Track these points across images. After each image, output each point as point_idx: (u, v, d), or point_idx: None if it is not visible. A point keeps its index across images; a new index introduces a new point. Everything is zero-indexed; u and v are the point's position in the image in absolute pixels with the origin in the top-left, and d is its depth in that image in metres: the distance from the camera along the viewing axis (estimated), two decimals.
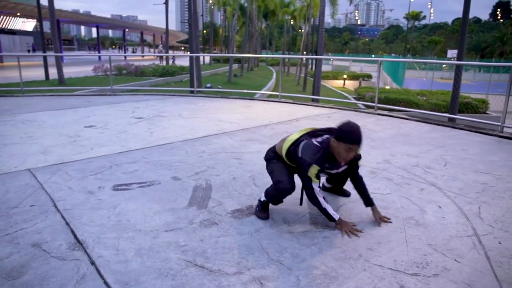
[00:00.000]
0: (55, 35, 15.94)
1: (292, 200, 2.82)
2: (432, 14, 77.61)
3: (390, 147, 4.39)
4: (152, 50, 68.64)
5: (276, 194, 2.49)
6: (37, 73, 16.93)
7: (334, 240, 2.29)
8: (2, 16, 40.61)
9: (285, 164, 2.56)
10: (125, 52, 50.67)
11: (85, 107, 7.05)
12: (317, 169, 2.29)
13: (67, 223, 2.44)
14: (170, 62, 29.55)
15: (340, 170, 2.53)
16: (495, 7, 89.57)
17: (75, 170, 3.49)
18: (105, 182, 3.20)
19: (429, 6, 72.50)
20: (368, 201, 2.56)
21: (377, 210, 2.55)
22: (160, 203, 2.78)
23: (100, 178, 3.29)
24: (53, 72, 16.09)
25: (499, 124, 5.32)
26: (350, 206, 2.77)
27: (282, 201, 2.61)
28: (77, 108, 6.92)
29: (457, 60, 9.66)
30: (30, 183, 3.14)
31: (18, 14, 38.70)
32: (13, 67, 10.01)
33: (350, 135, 2.23)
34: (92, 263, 2.01)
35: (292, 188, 2.44)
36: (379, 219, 2.51)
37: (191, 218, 2.54)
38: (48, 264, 1.99)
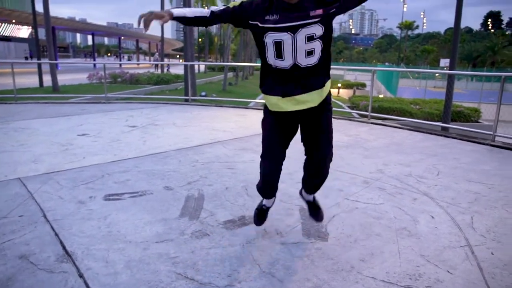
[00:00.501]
0: (50, 42, 15.93)
1: (285, 211, 2.81)
2: (424, 24, 78.81)
3: (383, 157, 4.39)
4: (147, 58, 68.71)
5: (260, 181, 2.19)
6: (32, 80, 16.84)
7: (327, 251, 2.27)
8: None
9: (279, 117, 2.03)
10: (120, 60, 50.65)
11: (79, 115, 7.01)
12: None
13: (56, 234, 2.40)
14: (165, 70, 29.60)
15: (306, 18, 1.76)
16: (486, 18, 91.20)
17: (67, 179, 3.45)
18: (97, 191, 3.16)
19: (422, 16, 73.60)
20: None
21: None
22: (151, 214, 2.75)
23: (91, 187, 3.26)
24: (47, 79, 16.03)
25: (491, 133, 5.36)
26: (343, 217, 2.76)
27: (272, 190, 2.24)
28: (71, 116, 6.88)
29: (449, 70, 9.76)
30: (20, 192, 3.10)
31: (14, 21, 38.68)
32: (7, 74, 9.97)
33: None
34: (81, 275, 1.97)
35: (272, 173, 2.06)
36: None
37: (182, 229, 2.51)
38: (35, 277, 1.95)
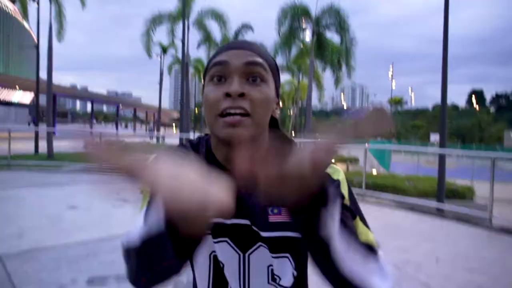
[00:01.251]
0: (49, 110, 16.29)
1: None
2: (413, 100, 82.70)
3: (380, 241, 4.28)
4: (143, 126, 70.20)
5: None
6: (28, 146, 16.91)
7: None
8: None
9: None
10: (117, 128, 51.72)
11: (70, 186, 6.91)
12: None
13: None
14: (160, 140, 30.08)
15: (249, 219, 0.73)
16: (470, 95, 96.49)
17: (49, 258, 3.28)
18: (80, 273, 2.99)
19: (410, 92, 77.63)
20: None
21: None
22: None
23: (75, 268, 3.09)
24: (44, 145, 16.09)
25: (487, 215, 5.31)
26: None
27: None
28: (62, 186, 6.78)
29: (439, 147, 9.99)
30: None
31: (17, 87, 40.04)
32: (3, 138, 10.13)
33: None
34: None
35: None
36: None
37: None
38: None
